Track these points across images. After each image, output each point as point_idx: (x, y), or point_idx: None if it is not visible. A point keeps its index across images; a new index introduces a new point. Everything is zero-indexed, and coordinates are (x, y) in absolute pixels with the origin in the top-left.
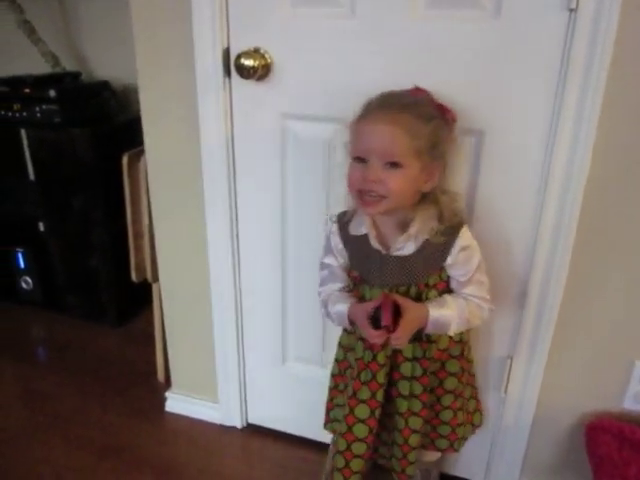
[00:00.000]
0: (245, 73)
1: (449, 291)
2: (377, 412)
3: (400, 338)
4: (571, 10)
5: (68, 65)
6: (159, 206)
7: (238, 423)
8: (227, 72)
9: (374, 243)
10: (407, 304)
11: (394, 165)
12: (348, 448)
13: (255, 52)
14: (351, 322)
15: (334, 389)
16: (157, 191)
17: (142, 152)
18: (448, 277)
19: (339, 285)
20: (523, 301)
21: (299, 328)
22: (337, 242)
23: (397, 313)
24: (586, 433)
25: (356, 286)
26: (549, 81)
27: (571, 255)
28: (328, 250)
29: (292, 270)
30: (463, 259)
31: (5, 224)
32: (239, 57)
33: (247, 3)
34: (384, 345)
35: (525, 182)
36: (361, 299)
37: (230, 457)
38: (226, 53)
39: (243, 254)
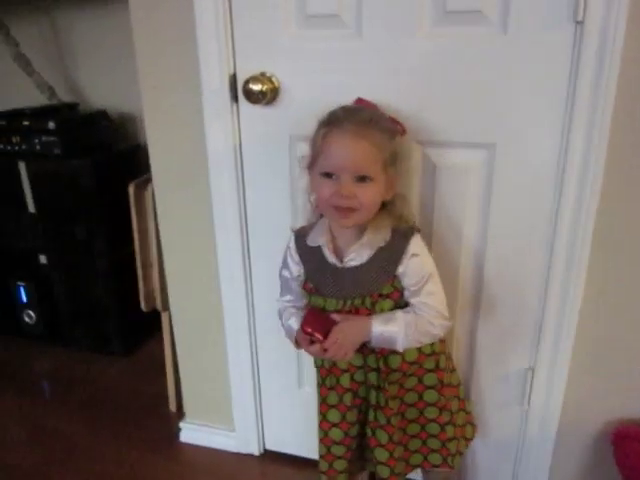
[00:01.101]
0: (254, 98)
1: (404, 302)
2: (349, 415)
3: (332, 348)
4: (578, 22)
5: (64, 96)
6: (168, 234)
7: (255, 450)
8: (234, 97)
9: (329, 255)
10: (343, 316)
11: (363, 179)
12: (328, 451)
13: (262, 76)
14: (297, 340)
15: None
16: (166, 219)
17: (148, 180)
18: (402, 287)
19: (290, 297)
20: (542, 310)
21: None
22: (293, 253)
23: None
24: (613, 442)
25: (311, 298)
26: (558, 94)
27: (589, 260)
28: (286, 261)
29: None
30: (414, 267)
31: (6, 258)
32: (247, 82)
33: (252, 27)
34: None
35: (537, 196)
36: None
37: None
38: (233, 79)
39: (256, 277)
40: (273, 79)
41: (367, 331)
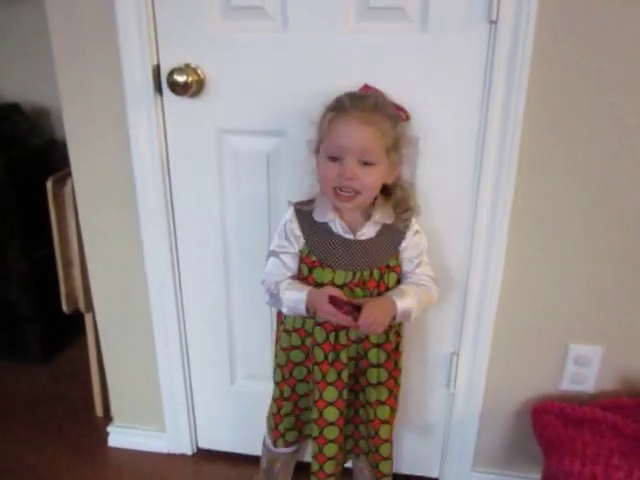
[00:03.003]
0: (179, 90)
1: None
2: (345, 393)
3: (368, 322)
4: (492, 22)
5: None
6: (90, 231)
7: (188, 450)
8: (158, 89)
9: (340, 229)
10: (364, 300)
11: (367, 163)
12: (321, 433)
13: (187, 67)
14: (307, 309)
15: (280, 398)
16: (87, 215)
17: (67, 175)
18: (402, 263)
19: (289, 273)
20: (464, 296)
21: (247, 345)
22: (294, 228)
23: (357, 308)
24: (532, 416)
25: (313, 272)
26: (475, 89)
27: (505, 249)
28: (282, 236)
29: (237, 286)
30: (415, 242)
31: None
32: (171, 73)
33: (176, 18)
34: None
35: (460, 180)
36: (318, 285)
37: None
38: (156, 70)
39: (184, 273)
40: (198, 71)
41: (394, 307)
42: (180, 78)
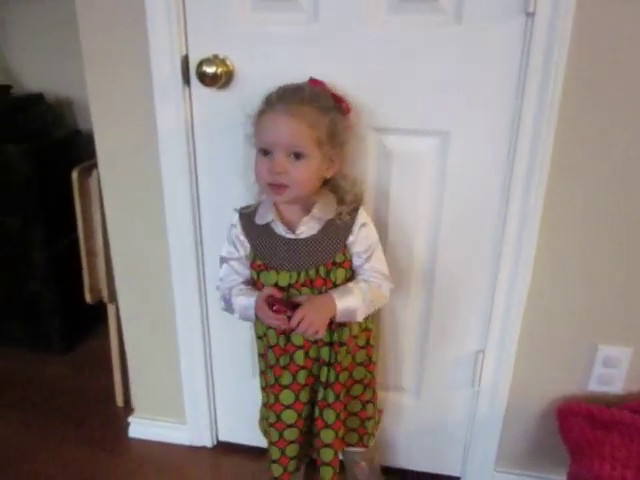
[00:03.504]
0: (207, 81)
1: (352, 273)
2: (302, 395)
3: (302, 325)
4: (529, 14)
5: None
6: (115, 222)
7: (208, 442)
8: (186, 80)
9: (280, 229)
10: (303, 299)
11: (297, 156)
12: (281, 436)
13: (216, 59)
14: (256, 315)
15: (268, 403)
16: (112, 206)
17: (93, 166)
18: (351, 257)
19: (240, 279)
20: (492, 294)
21: None
22: (238, 233)
23: (297, 305)
24: (558, 418)
25: (260, 275)
26: (510, 82)
27: (535, 249)
28: (229, 242)
29: None
30: (363, 236)
31: None
32: (201, 64)
33: (205, 9)
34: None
35: (491, 175)
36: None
37: (202, 478)
38: (185, 61)
39: (208, 266)
40: (227, 62)
41: (333, 306)
42: (209, 69)
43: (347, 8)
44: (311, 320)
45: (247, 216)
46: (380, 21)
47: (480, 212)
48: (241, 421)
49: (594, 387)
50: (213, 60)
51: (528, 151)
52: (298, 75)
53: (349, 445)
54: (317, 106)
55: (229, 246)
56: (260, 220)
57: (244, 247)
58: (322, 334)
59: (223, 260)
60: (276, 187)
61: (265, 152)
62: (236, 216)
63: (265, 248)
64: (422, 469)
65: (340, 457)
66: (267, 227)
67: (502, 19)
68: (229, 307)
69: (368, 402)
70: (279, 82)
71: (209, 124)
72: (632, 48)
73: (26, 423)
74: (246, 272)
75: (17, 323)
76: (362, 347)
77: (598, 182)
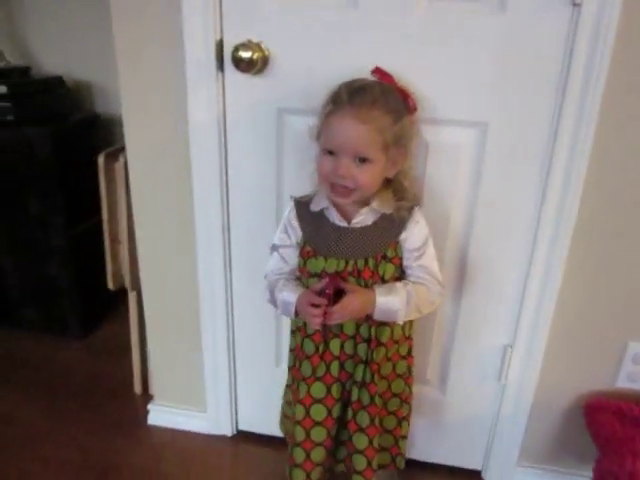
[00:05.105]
0: (243, 66)
1: (402, 271)
2: (334, 389)
3: (337, 312)
4: (575, 5)
5: (12, 60)
6: (141, 209)
7: (228, 431)
8: (220, 65)
9: (333, 216)
10: (352, 287)
11: (363, 160)
12: (307, 436)
13: (252, 43)
14: (296, 313)
15: (293, 385)
16: (139, 193)
17: (119, 151)
18: (402, 254)
19: (287, 268)
20: (523, 288)
21: None
22: (292, 218)
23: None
24: (586, 414)
25: (308, 262)
26: (552, 75)
27: (570, 243)
28: (282, 229)
29: None
30: (417, 233)
31: None
32: (237, 49)
33: None
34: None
35: (527, 171)
36: (311, 276)
37: (222, 467)
38: (220, 45)
39: (235, 254)
40: (263, 47)
41: (371, 302)
42: (245, 54)
43: None
44: (349, 313)
45: (303, 203)
46: (422, 7)
47: (515, 208)
48: (262, 410)
49: (622, 384)
50: (249, 45)
51: (569, 146)
52: (334, 62)
53: (380, 467)
54: (387, 109)
55: (281, 233)
56: (315, 207)
57: (296, 234)
58: (341, 320)
59: (274, 248)
60: (340, 189)
61: (330, 152)
62: (291, 203)
63: (316, 234)
64: (442, 462)
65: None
66: (321, 214)
67: (547, 9)
68: (273, 299)
69: (404, 419)
70: (316, 69)
71: (242, 111)
72: None
73: (40, 407)
74: (294, 261)
75: (34, 307)
76: (404, 357)
77: (637, 180)
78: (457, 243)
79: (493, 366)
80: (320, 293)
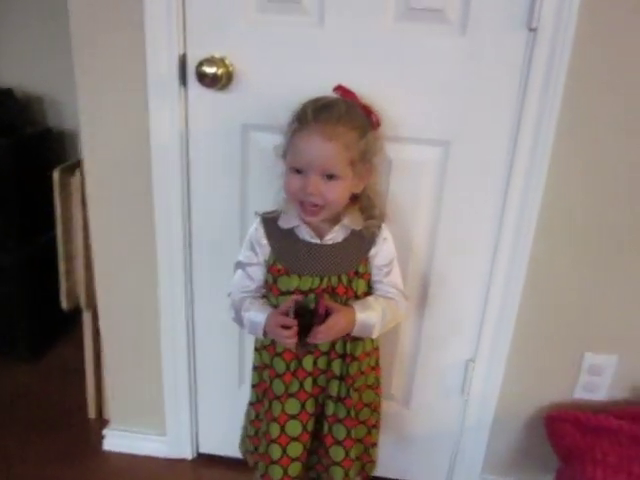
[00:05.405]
0: (208, 81)
1: (370, 286)
2: (308, 405)
3: (322, 332)
4: (531, 30)
5: None
6: (99, 225)
7: (188, 454)
8: (183, 80)
9: (305, 234)
10: (336, 305)
11: (331, 177)
12: (284, 453)
13: (217, 59)
14: (264, 332)
15: (256, 420)
16: (97, 209)
17: (75, 166)
18: (371, 270)
19: (253, 285)
20: (484, 306)
21: None
22: (260, 236)
23: (326, 315)
24: (547, 425)
25: (279, 280)
26: (511, 94)
27: (528, 258)
28: (248, 246)
29: None
30: (386, 249)
31: None
32: (201, 64)
33: (207, 7)
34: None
35: (488, 185)
36: (283, 293)
37: None
38: (182, 60)
39: (196, 272)
40: (228, 63)
41: (352, 320)
42: (210, 69)
43: (353, 12)
44: (335, 333)
45: (270, 220)
46: (386, 28)
47: (475, 223)
48: (224, 432)
49: (579, 394)
50: (214, 60)
51: (527, 163)
52: (300, 79)
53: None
54: (352, 126)
55: (247, 250)
56: (285, 224)
57: (264, 251)
58: (323, 341)
59: (239, 265)
60: (310, 208)
61: (297, 170)
62: (258, 219)
63: (287, 252)
64: (407, 478)
65: None
66: (291, 231)
67: (505, 33)
68: (238, 318)
69: (374, 427)
70: (281, 86)
71: (205, 127)
72: (630, 67)
73: None
74: (260, 279)
75: None
76: (373, 368)
77: (594, 196)
78: (420, 258)
79: (456, 380)
80: (287, 313)
